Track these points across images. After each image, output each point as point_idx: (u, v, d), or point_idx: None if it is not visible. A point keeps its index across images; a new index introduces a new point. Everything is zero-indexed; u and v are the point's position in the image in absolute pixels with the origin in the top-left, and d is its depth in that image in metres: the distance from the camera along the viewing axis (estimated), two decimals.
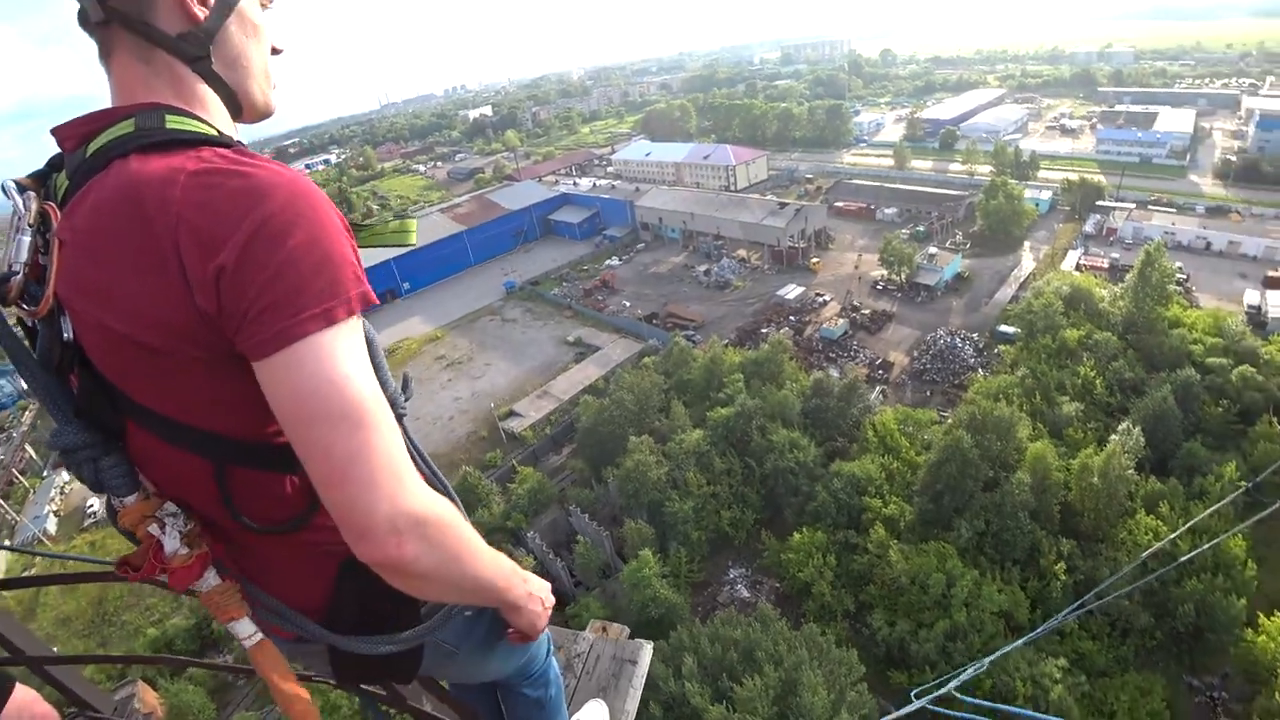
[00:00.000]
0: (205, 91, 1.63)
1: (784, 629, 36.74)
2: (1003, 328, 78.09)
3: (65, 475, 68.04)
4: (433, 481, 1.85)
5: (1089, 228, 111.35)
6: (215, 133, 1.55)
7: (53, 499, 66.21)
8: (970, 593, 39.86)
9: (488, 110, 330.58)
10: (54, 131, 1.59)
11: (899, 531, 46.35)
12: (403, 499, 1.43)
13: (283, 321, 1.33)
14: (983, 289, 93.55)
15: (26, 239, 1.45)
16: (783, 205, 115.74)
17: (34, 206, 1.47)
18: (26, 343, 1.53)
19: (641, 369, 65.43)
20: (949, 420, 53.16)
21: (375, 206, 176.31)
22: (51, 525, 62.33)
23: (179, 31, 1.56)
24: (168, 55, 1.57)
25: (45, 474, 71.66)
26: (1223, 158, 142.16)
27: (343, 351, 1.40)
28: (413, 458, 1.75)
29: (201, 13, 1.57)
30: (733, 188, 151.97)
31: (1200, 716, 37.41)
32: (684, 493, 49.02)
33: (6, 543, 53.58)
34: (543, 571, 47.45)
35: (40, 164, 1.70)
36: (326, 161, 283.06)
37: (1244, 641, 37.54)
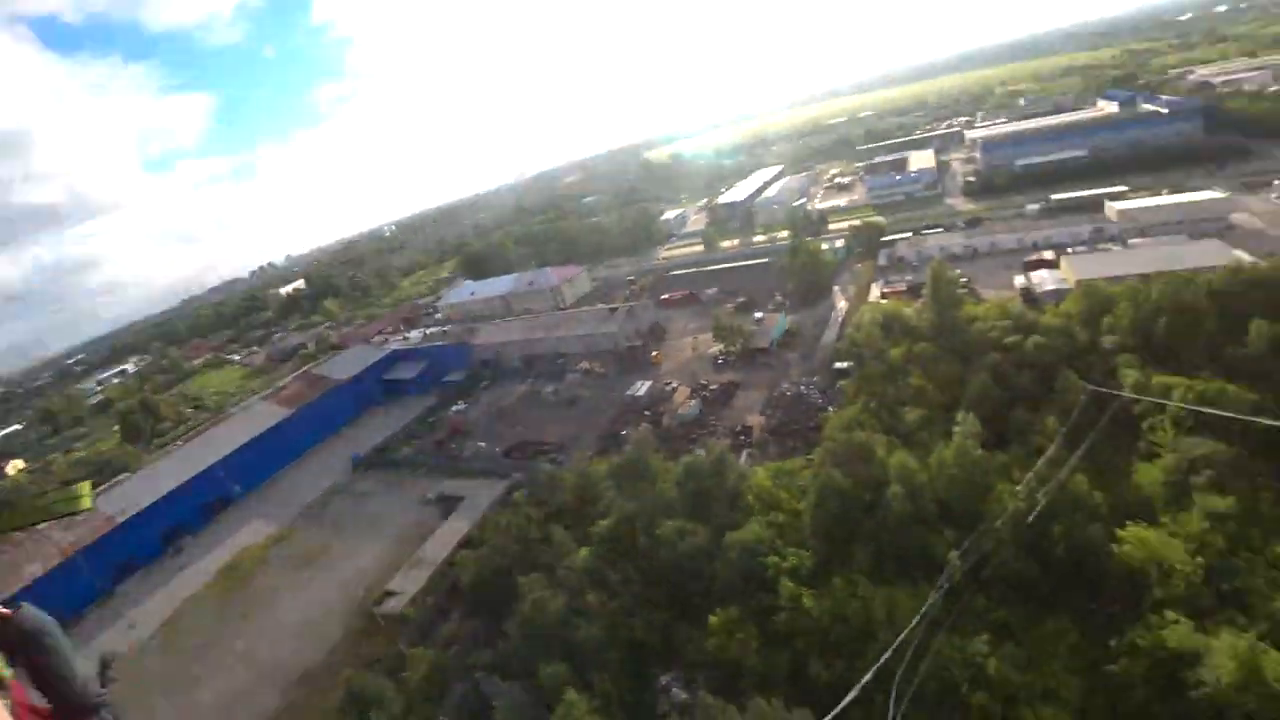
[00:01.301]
0: None
1: (733, 715, 35.64)
2: (837, 365, 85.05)
3: None
4: None
5: (882, 261, 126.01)
6: None
7: None
8: (888, 610, 41.40)
9: (301, 283, 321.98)
10: None
11: (805, 578, 46.88)
12: None
13: None
14: (810, 337, 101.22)
15: None
16: (613, 310, 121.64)
17: None
18: None
19: (513, 506, 63.52)
20: (815, 461, 55.26)
21: (189, 410, 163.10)
22: None
23: None
24: None
25: None
26: (964, 180, 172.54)
27: None
28: None
29: None
30: (562, 306, 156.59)
31: (1105, 633, 40.14)
32: (589, 616, 47.05)
33: None
34: None
35: None
36: (123, 372, 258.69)
37: (1114, 559, 42.62)
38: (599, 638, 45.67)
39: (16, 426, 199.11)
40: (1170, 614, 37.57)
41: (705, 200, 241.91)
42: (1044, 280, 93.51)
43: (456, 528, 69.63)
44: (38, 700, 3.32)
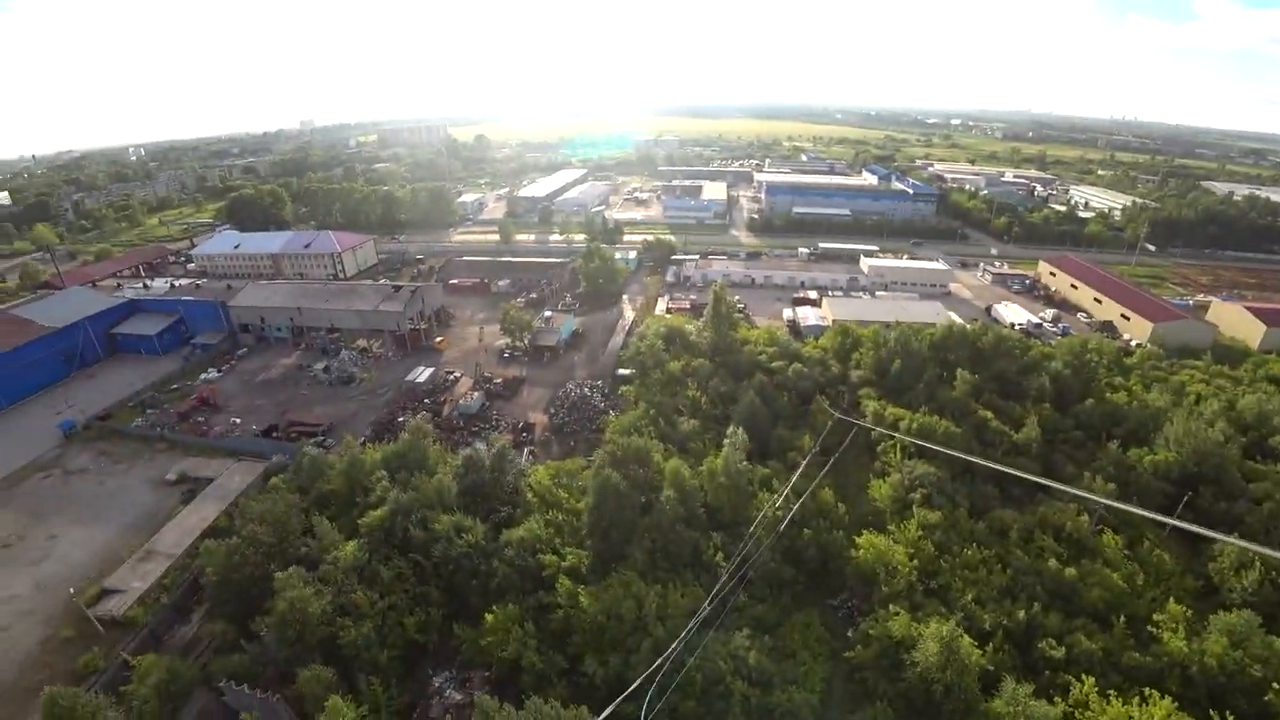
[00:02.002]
0: None
1: (510, 715, 35.18)
2: (621, 371, 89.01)
3: None
4: None
5: (669, 277, 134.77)
6: None
7: None
8: (660, 607, 44.28)
9: (3, 197, 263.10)
10: None
11: (582, 577, 48.66)
12: None
13: None
14: (597, 341, 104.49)
15: None
16: (398, 289, 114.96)
17: None
18: None
19: (271, 492, 57.48)
20: (595, 463, 57.28)
21: None
22: None
23: None
24: None
25: None
26: (749, 216, 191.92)
27: None
28: None
29: None
30: (341, 275, 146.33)
31: (845, 625, 48.48)
32: (357, 616, 44.08)
33: None
34: None
35: None
36: None
37: (852, 561, 51.43)
38: (368, 638, 43.13)
39: None
40: (894, 607, 45.91)
41: (506, 190, 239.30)
42: (807, 316, 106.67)
43: (201, 514, 61.47)
44: None
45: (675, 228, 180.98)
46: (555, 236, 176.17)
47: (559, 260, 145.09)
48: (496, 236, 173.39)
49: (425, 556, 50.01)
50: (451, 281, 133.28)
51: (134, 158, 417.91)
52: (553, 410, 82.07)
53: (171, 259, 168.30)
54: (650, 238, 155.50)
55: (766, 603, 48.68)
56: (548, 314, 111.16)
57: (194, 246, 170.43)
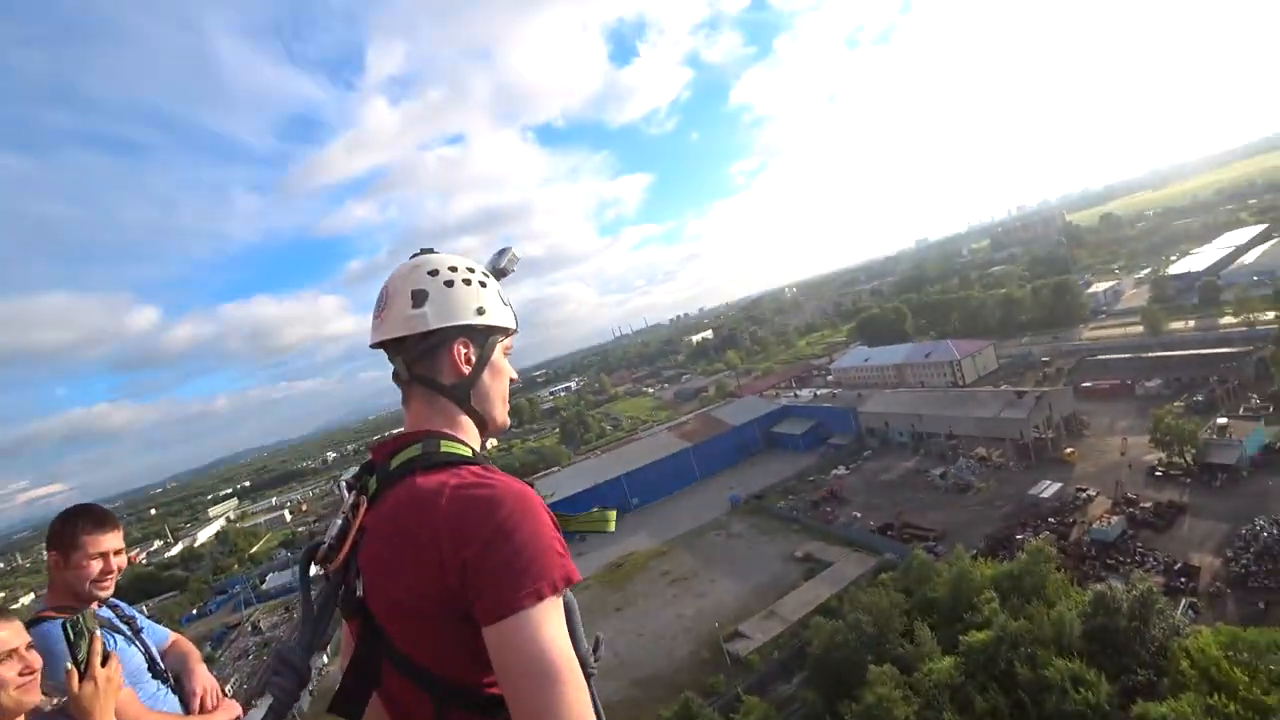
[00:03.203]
0: (465, 419, 2.36)
1: None
2: None
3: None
4: None
5: None
6: (470, 452, 2.21)
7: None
8: None
9: (709, 334, 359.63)
10: (370, 448, 2.31)
11: None
12: None
13: (505, 596, 1.80)
14: None
15: (339, 521, 2.14)
16: (1021, 394, 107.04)
17: (350, 499, 2.19)
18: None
19: (878, 587, 59.47)
20: None
21: (609, 426, 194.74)
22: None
23: (451, 383, 2.32)
24: (443, 398, 2.33)
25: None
26: None
27: (546, 622, 1.81)
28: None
29: (467, 370, 2.32)
30: (960, 383, 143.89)
31: None
32: None
33: None
34: None
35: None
36: (568, 388, 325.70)
37: None
38: None
39: None
40: None
41: (1147, 270, 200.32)
42: None
43: (817, 593, 68.71)
44: None
45: None
46: (1227, 319, 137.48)
47: (1235, 350, 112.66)
48: (1139, 328, 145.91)
49: (1032, 700, 43.61)
50: (1084, 384, 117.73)
51: (788, 294, 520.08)
52: (1230, 553, 62.55)
53: (814, 373, 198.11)
54: None
55: None
56: (1222, 421, 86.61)
57: (832, 361, 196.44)
